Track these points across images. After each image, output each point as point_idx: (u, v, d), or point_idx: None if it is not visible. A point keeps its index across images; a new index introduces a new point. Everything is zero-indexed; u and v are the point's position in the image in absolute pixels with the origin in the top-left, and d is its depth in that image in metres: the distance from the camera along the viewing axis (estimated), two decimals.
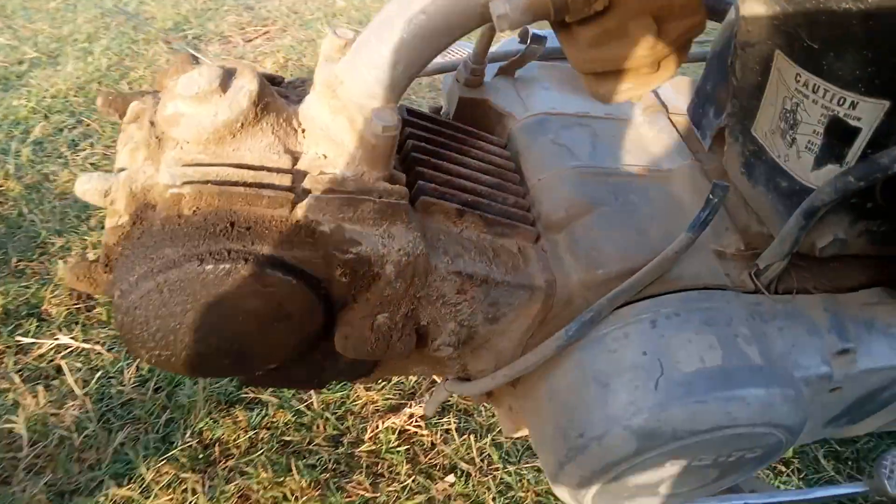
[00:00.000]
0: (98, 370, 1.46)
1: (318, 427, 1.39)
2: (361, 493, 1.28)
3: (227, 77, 0.54)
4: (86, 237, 1.83)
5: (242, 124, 0.53)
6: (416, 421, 1.44)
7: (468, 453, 1.37)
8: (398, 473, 1.32)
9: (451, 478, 1.33)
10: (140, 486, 1.25)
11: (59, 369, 1.45)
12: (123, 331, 0.53)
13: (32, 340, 1.51)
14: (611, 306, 0.62)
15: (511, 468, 1.34)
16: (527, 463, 1.35)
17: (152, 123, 0.55)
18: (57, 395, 1.40)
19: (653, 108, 0.79)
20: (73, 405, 1.38)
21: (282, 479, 1.28)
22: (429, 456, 1.36)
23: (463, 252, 0.61)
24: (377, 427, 1.40)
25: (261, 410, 1.40)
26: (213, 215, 0.52)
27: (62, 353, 1.49)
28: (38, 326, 1.55)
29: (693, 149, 0.76)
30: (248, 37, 3.26)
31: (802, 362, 0.65)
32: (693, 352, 0.60)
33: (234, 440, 1.35)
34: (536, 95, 0.80)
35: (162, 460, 1.29)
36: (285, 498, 1.25)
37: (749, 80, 0.63)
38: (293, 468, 1.29)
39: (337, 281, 0.56)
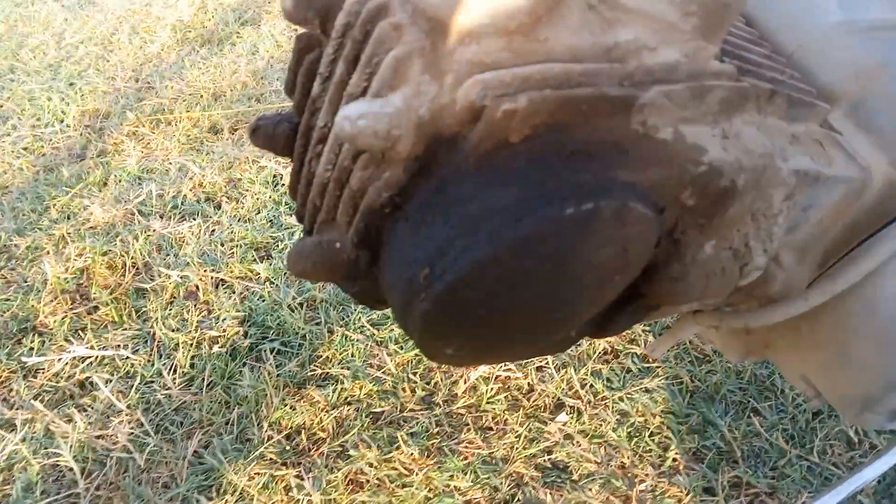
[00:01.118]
0: (132, 377, 1.25)
1: (404, 391, 1.25)
2: (476, 450, 1.16)
3: None
4: (52, 232, 1.55)
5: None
6: (505, 364, 1.32)
7: (570, 388, 1.27)
8: (507, 423, 1.21)
9: (562, 416, 1.23)
10: (235, 495, 1.08)
11: (83, 385, 1.24)
12: (429, 324, 0.37)
13: (41, 359, 1.27)
14: None
15: (620, 393, 1.25)
16: (633, 387, 1.26)
17: (411, 18, 0.37)
18: (94, 414, 1.19)
19: None
20: (119, 422, 1.18)
21: (389, 454, 1.14)
22: (531, 398, 1.25)
23: (787, 145, 0.47)
24: (467, 378, 1.28)
25: (335, 386, 1.24)
26: (550, 137, 0.35)
27: (82, 367, 1.26)
28: (40, 342, 1.31)
29: None
30: None
31: None
32: None
33: (319, 423, 1.19)
34: None
35: (249, 462, 1.12)
36: (401, 474, 1.12)
37: None
38: (399, 440, 1.15)
39: (677, 206, 0.41)
